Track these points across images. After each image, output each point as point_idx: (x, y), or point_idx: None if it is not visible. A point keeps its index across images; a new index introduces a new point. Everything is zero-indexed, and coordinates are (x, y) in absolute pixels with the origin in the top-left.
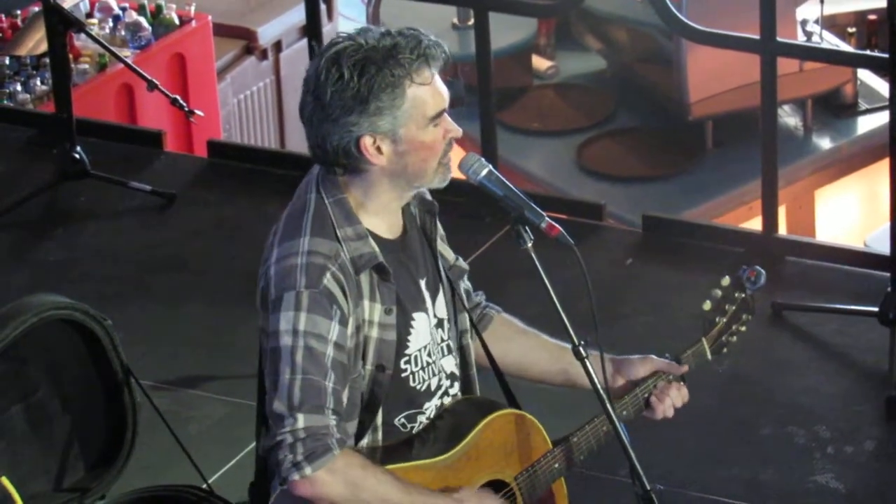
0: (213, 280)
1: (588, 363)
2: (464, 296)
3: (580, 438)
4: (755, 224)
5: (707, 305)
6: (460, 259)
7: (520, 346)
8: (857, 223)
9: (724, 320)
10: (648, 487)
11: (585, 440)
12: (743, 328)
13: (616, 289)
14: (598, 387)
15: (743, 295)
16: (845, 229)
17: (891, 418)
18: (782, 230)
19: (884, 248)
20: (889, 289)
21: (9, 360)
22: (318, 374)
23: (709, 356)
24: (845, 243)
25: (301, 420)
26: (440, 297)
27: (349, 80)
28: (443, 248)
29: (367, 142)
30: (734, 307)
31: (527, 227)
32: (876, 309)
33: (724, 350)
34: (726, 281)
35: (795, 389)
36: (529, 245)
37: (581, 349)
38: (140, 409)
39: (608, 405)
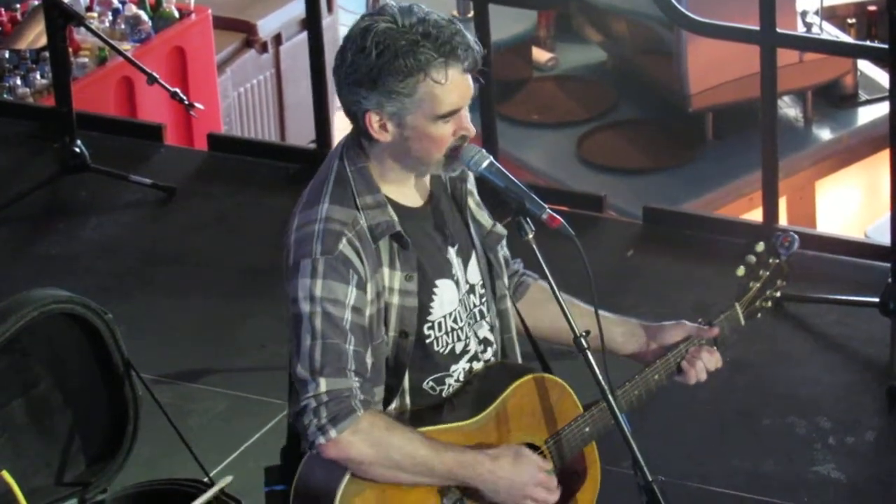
0: (214, 273)
1: (589, 355)
2: (501, 262)
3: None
4: (756, 215)
5: (741, 271)
6: (498, 225)
7: (554, 312)
8: (857, 214)
9: (759, 285)
10: (650, 478)
11: (616, 404)
12: (777, 294)
13: (617, 280)
14: (600, 378)
15: (777, 260)
16: (846, 220)
17: (891, 409)
18: (783, 221)
19: (884, 238)
20: (889, 279)
21: (10, 354)
22: (338, 337)
23: (742, 321)
24: (846, 234)
25: (323, 384)
26: (472, 263)
27: (367, 56)
28: (479, 214)
29: (372, 117)
30: (768, 273)
31: (528, 219)
32: (877, 299)
33: (759, 315)
34: (760, 247)
35: (796, 380)
36: (531, 236)
37: (582, 340)
38: (141, 403)
39: (609, 397)
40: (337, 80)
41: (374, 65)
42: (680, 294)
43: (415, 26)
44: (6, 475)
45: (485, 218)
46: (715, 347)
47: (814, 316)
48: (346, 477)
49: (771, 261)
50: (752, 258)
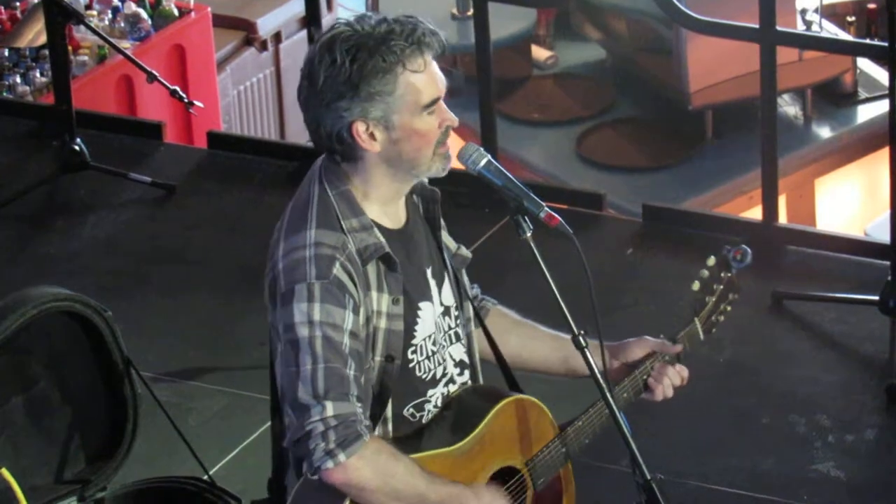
0: (214, 271)
1: (588, 353)
2: (467, 284)
3: (584, 422)
4: (755, 213)
5: (696, 286)
6: (462, 248)
7: (517, 337)
8: (857, 212)
9: (713, 299)
10: (649, 477)
11: (590, 423)
12: (729, 308)
13: (616, 279)
14: (599, 377)
15: (729, 274)
16: (845, 218)
17: (891, 407)
18: (782, 219)
19: (884, 236)
20: (889, 277)
21: (9, 352)
22: (339, 362)
23: (701, 336)
24: (845, 232)
25: (330, 408)
26: (446, 285)
27: (341, 66)
28: (445, 236)
29: (359, 128)
30: (721, 286)
31: (526, 217)
32: (876, 298)
33: (714, 330)
34: (712, 261)
35: (796, 378)
36: (529, 235)
37: (580, 339)
38: (141, 401)
39: (608, 396)
40: (313, 106)
41: (351, 71)
42: (679, 292)
43: (376, 27)
44: (6, 473)
45: (450, 241)
46: (680, 364)
47: (813, 314)
48: None
49: (723, 275)
50: (706, 272)
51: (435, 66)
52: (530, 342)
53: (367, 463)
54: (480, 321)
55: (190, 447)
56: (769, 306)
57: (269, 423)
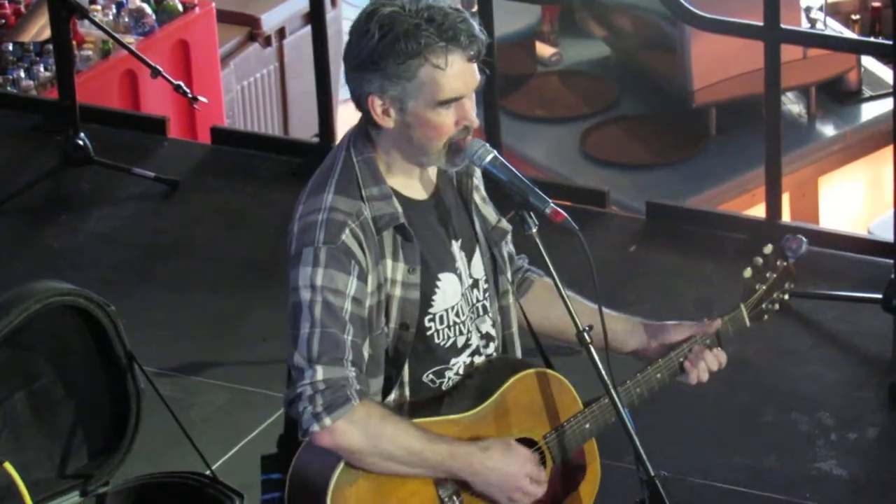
0: (217, 266)
1: (592, 350)
2: (505, 257)
3: (609, 401)
4: (759, 211)
5: (748, 273)
6: (503, 220)
7: (560, 310)
8: (860, 210)
9: (765, 287)
10: (653, 474)
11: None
12: (785, 296)
13: (620, 275)
14: (603, 374)
15: (785, 263)
16: (849, 216)
17: (894, 405)
18: (786, 217)
19: (887, 235)
20: (893, 276)
21: (12, 347)
22: (336, 327)
23: (747, 323)
24: (849, 230)
25: (320, 372)
26: (476, 258)
27: (370, 38)
28: (484, 208)
29: (375, 101)
30: (775, 275)
31: (531, 213)
32: (879, 296)
33: (765, 317)
34: (769, 249)
35: (798, 376)
36: (534, 230)
37: (585, 335)
38: (143, 396)
39: (612, 391)
40: (346, 63)
41: (375, 47)
42: (682, 289)
43: (420, 11)
44: (8, 467)
45: (490, 213)
46: (720, 348)
47: (816, 312)
48: (340, 466)
49: (779, 263)
50: (760, 260)
51: (464, 66)
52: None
53: (356, 427)
54: (515, 297)
55: (192, 442)
56: (776, 310)
57: (270, 419)
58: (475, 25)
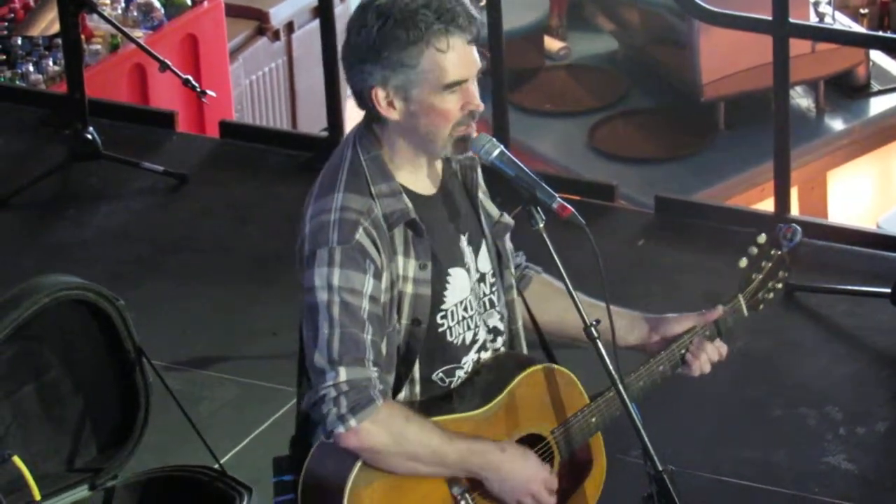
0: (225, 260)
1: (599, 344)
2: (509, 252)
3: (615, 394)
4: (767, 205)
5: (743, 262)
6: (505, 215)
7: (559, 306)
8: (869, 204)
9: (761, 277)
10: (661, 468)
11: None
12: (780, 285)
13: (628, 270)
14: (610, 367)
15: (779, 252)
16: (857, 211)
17: None
18: (794, 211)
19: None
20: None
21: (21, 341)
22: (356, 326)
23: (745, 312)
24: (857, 224)
25: (343, 373)
26: (483, 252)
27: (369, 29)
28: (487, 203)
29: (378, 93)
30: (770, 264)
31: (538, 208)
32: (888, 290)
33: (762, 307)
34: (762, 238)
35: (807, 371)
36: (541, 225)
37: (592, 330)
38: (152, 390)
39: (619, 385)
40: (345, 66)
41: (375, 37)
42: (690, 284)
43: None
44: (17, 460)
45: (492, 207)
46: (719, 339)
47: (825, 306)
48: (357, 467)
49: (773, 252)
50: (755, 250)
51: (465, 48)
52: (570, 312)
53: (380, 427)
54: (519, 292)
55: (201, 436)
56: (781, 298)
57: (280, 413)
58: (470, 7)
